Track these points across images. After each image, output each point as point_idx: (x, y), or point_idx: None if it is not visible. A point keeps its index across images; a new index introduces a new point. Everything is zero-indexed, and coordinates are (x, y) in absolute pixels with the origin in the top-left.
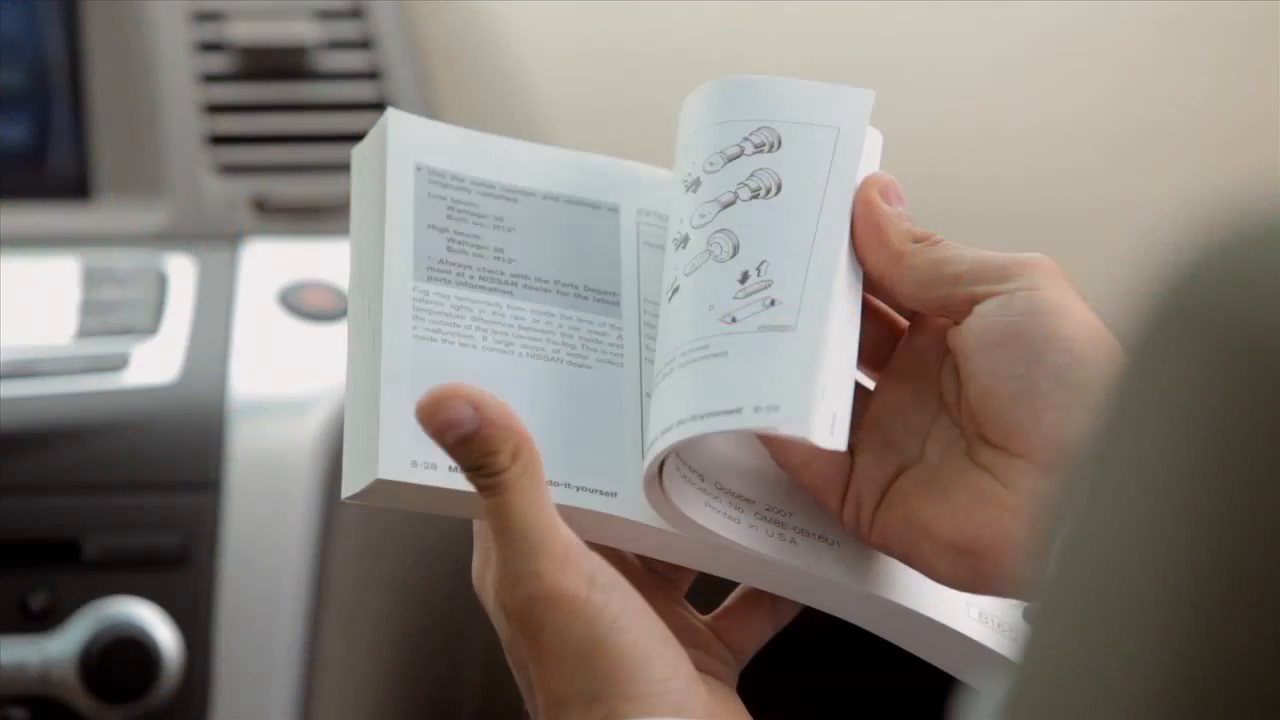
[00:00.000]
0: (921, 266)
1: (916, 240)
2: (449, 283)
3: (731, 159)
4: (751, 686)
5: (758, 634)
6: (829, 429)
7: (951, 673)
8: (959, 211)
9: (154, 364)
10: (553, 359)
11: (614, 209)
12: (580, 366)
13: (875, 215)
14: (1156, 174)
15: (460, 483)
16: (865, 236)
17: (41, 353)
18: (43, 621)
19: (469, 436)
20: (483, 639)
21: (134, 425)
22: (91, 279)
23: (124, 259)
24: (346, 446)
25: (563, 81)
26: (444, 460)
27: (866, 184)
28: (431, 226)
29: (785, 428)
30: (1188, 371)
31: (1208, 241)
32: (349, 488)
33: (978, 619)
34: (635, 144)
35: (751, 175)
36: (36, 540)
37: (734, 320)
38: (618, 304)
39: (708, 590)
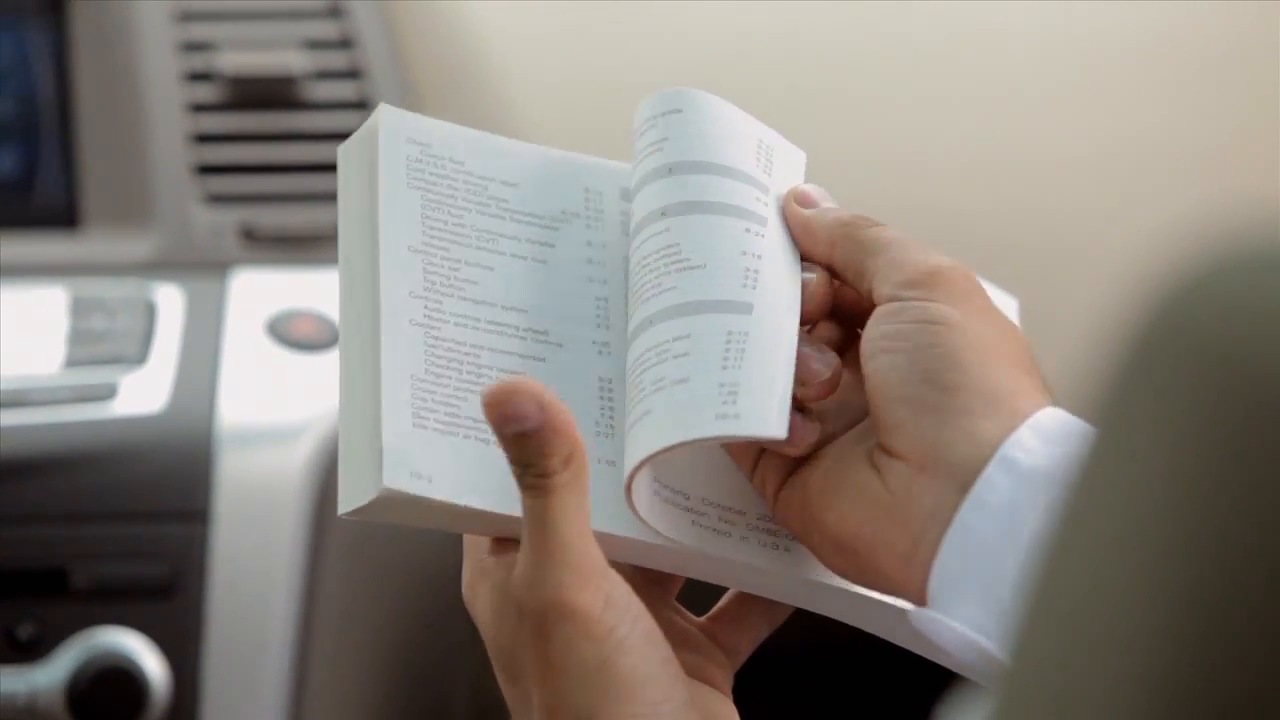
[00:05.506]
0: (839, 213)
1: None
2: (443, 292)
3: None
4: (747, 690)
5: (753, 634)
6: (776, 419)
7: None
8: (953, 240)
9: (142, 393)
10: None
11: (599, 210)
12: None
13: (805, 188)
14: (1147, 201)
15: (459, 497)
16: (792, 202)
17: (29, 382)
18: (30, 651)
19: (528, 433)
20: (473, 666)
21: (122, 455)
22: (80, 308)
23: (112, 288)
24: (342, 460)
25: (555, 112)
26: (441, 474)
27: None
28: (424, 227)
29: (747, 431)
30: (1178, 396)
31: (1197, 267)
32: (348, 502)
33: None
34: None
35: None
36: (24, 570)
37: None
38: (609, 326)
39: (700, 591)
